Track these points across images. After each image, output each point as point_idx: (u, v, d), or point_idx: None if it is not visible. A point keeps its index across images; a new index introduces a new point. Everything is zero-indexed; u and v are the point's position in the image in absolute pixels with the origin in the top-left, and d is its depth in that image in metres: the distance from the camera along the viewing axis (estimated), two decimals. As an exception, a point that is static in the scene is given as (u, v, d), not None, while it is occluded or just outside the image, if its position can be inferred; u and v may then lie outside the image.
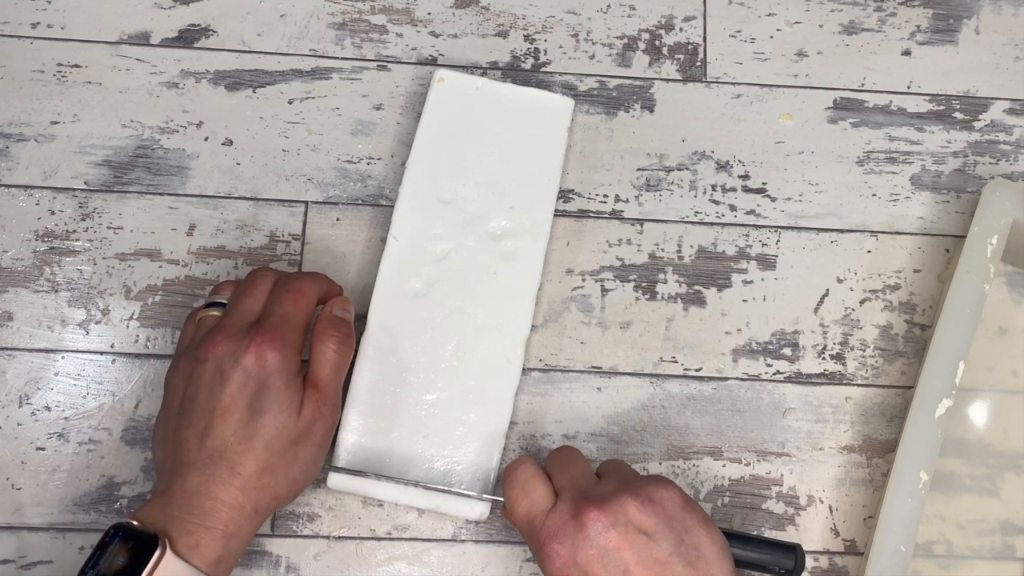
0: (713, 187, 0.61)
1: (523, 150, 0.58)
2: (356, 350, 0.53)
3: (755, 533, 0.53)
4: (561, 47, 0.63)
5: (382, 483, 0.52)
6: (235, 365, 0.47)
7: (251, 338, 0.47)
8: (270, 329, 0.48)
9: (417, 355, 0.54)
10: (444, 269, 0.55)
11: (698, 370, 0.58)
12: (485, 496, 0.52)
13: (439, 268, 0.55)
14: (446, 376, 0.54)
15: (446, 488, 0.52)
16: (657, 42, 0.63)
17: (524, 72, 0.62)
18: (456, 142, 0.57)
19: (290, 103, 0.61)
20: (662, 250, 0.59)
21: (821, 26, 0.64)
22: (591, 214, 0.60)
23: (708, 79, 0.63)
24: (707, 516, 0.47)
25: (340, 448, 0.52)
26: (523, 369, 0.55)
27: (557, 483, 0.48)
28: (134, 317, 0.57)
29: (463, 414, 0.53)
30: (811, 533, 0.56)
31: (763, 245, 0.60)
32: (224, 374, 0.47)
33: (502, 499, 0.50)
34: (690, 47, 0.63)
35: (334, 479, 0.52)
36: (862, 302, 0.59)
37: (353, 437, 0.53)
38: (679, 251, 0.59)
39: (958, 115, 0.63)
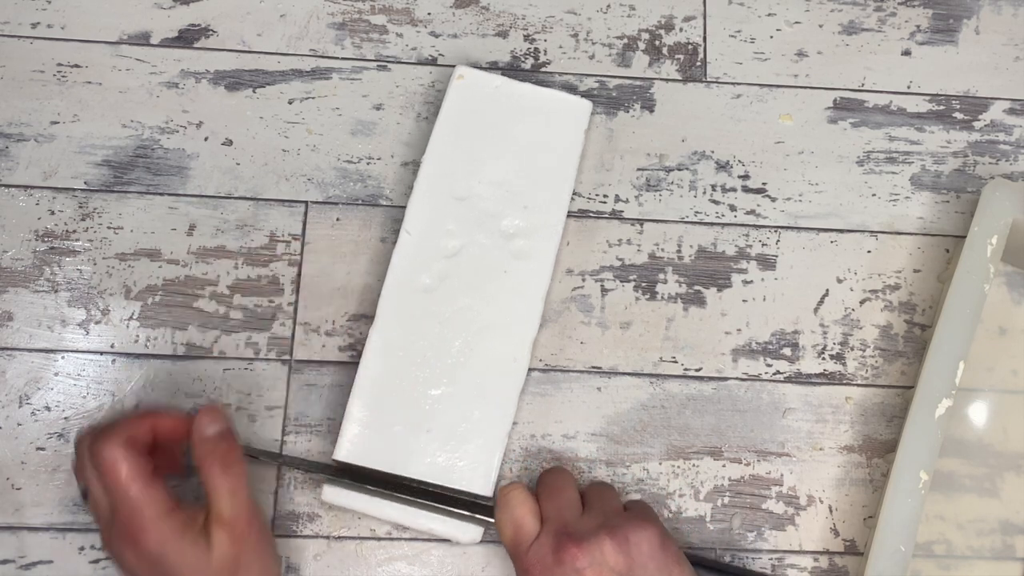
0: (713, 187, 0.61)
1: (539, 150, 0.58)
2: (364, 342, 0.53)
3: (734, 564, 0.54)
4: (561, 47, 0.63)
5: (375, 500, 0.52)
6: (119, 559, 0.46)
7: (106, 530, 0.46)
8: (115, 517, 0.46)
9: (424, 349, 0.54)
10: (455, 265, 0.55)
11: (698, 370, 0.58)
12: (478, 517, 0.52)
13: (450, 264, 0.55)
14: (452, 372, 0.54)
15: (440, 506, 0.52)
16: (657, 42, 0.63)
17: (524, 72, 0.62)
18: (473, 140, 0.57)
19: (290, 103, 0.61)
20: (662, 250, 0.59)
21: (821, 26, 0.64)
22: (591, 214, 0.60)
23: (708, 79, 0.63)
24: (682, 555, 0.48)
25: (343, 438, 0.52)
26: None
27: (544, 511, 0.49)
28: (134, 317, 0.57)
29: (467, 411, 0.53)
30: (811, 533, 0.56)
31: (763, 245, 0.60)
32: (122, 570, 0.46)
33: (493, 520, 0.51)
34: (690, 47, 0.63)
35: (328, 492, 0.52)
36: (862, 302, 0.59)
37: (356, 428, 0.53)
38: (679, 251, 0.59)
39: (958, 115, 0.63)
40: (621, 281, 0.59)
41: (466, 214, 0.56)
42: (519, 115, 0.58)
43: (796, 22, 0.64)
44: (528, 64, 0.62)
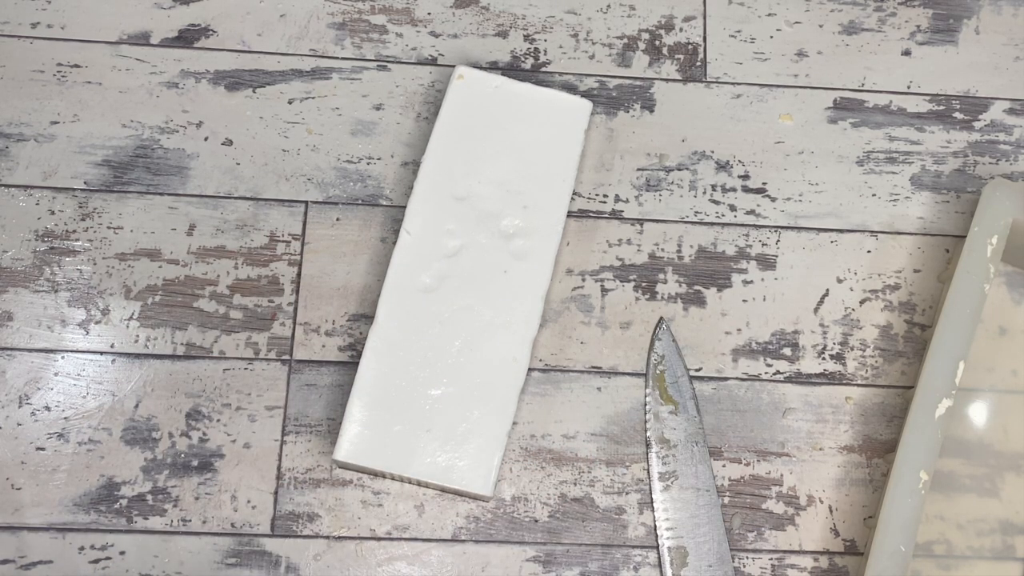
0: (713, 187, 0.61)
1: (539, 150, 0.58)
2: (364, 342, 0.54)
3: None
4: (561, 47, 0.63)
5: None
6: None
7: None
8: None
9: (424, 349, 0.54)
10: (455, 265, 0.55)
11: (698, 370, 0.58)
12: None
13: (450, 264, 0.55)
14: (452, 372, 0.54)
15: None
16: (657, 42, 0.63)
17: (524, 72, 0.62)
18: (473, 140, 0.57)
19: (290, 103, 0.61)
20: (662, 250, 0.59)
21: (821, 26, 0.64)
22: (591, 214, 0.60)
23: (708, 79, 0.63)
24: None
25: (343, 438, 0.52)
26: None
27: None
28: (134, 317, 0.57)
29: (467, 411, 0.53)
30: (811, 533, 0.56)
31: (763, 245, 0.60)
32: None
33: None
34: (690, 47, 0.63)
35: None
36: (862, 302, 0.59)
37: (356, 428, 0.53)
38: (679, 251, 0.59)
39: (958, 115, 0.63)
40: (621, 281, 0.59)
41: (466, 214, 0.56)
42: (519, 115, 0.58)
43: (796, 22, 0.64)
44: (528, 64, 0.62)
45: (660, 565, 0.54)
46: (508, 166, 0.57)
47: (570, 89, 0.62)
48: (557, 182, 0.57)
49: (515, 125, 0.58)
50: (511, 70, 0.62)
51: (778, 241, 0.60)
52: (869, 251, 0.60)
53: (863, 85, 0.63)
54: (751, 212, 0.60)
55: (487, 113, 0.58)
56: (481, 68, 0.61)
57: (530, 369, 0.57)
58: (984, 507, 0.57)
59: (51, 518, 0.54)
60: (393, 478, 0.54)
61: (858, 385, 0.58)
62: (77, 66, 0.60)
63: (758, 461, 0.57)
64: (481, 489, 0.52)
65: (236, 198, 0.59)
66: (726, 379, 0.58)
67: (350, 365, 0.56)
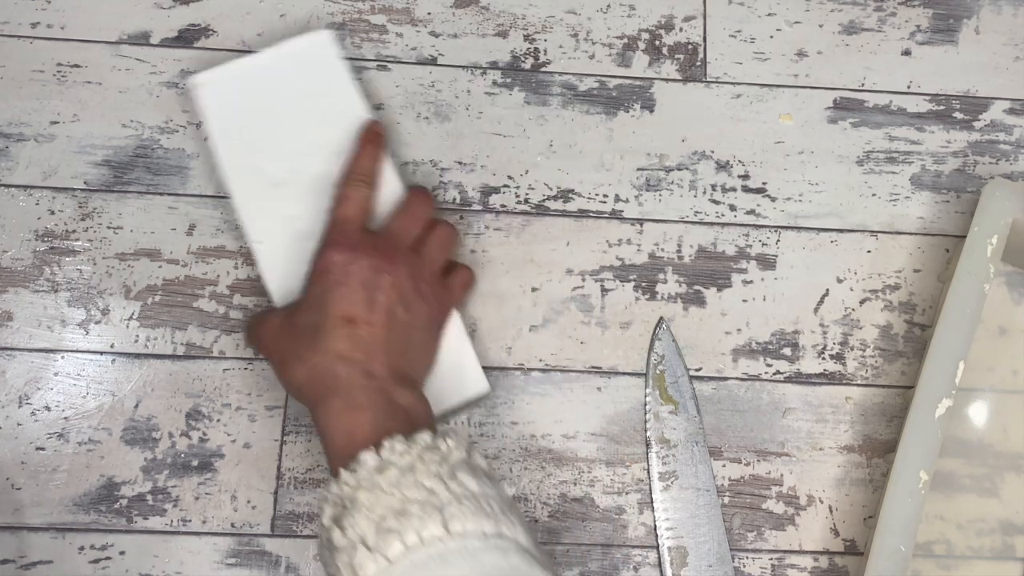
0: (713, 187, 0.61)
1: (317, 99, 0.57)
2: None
3: None
4: (561, 47, 0.63)
5: None
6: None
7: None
8: None
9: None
10: (316, 230, 0.55)
11: (698, 370, 0.58)
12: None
13: (311, 241, 0.54)
14: None
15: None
16: (657, 42, 0.63)
17: (524, 72, 0.62)
18: (254, 129, 0.57)
19: (290, 103, 0.61)
20: (662, 250, 0.59)
21: (821, 26, 0.64)
22: (591, 214, 0.60)
23: (708, 79, 0.63)
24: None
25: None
26: (524, 369, 0.56)
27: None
28: (134, 317, 0.57)
29: None
30: (811, 533, 0.56)
31: (763, 245, 0.60)
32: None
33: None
34: (690, 47, 0.63)
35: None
36: (862, 302, 0.59)
37: None
38: (679, 251, 0.59)
39: (958, 115, 0.63)
40: (621, 281, 0.59)
41: (296, 192, 0.56)
42: (277, 82, 0.58)
43: (796, 22, 0.64)
44: (528, 64, 0.62)
45: (660, 565, 0.54)
46: (301, 130, 0.57)
47: (570, 89, 0.62)
48: (352, 115, 0.57)
49: (281, 92, 0.58)
50: (511, 70, 0.62)
51: (778, 241, 0.60)
52: (869, 251, 0.60)
53: (863, 85, 0.63)
54: (751, 212, 0.60)
55: (248, 99, 0.57)
56: (481, 68, 0.61)
57: (530, 369, 0.57)
58: (984, 507, 0.57)
59: (51, 518, 0.54)
60: None
61: (858, 385, 0.58)
62: (77, 66, 0.60)
63: (758, 461, 0.57)
64: (477, 389, 0.53)
65: (236, 198, 0.59)
66: (726, 379, 0.58)
67: (350, 365, 0.56)
